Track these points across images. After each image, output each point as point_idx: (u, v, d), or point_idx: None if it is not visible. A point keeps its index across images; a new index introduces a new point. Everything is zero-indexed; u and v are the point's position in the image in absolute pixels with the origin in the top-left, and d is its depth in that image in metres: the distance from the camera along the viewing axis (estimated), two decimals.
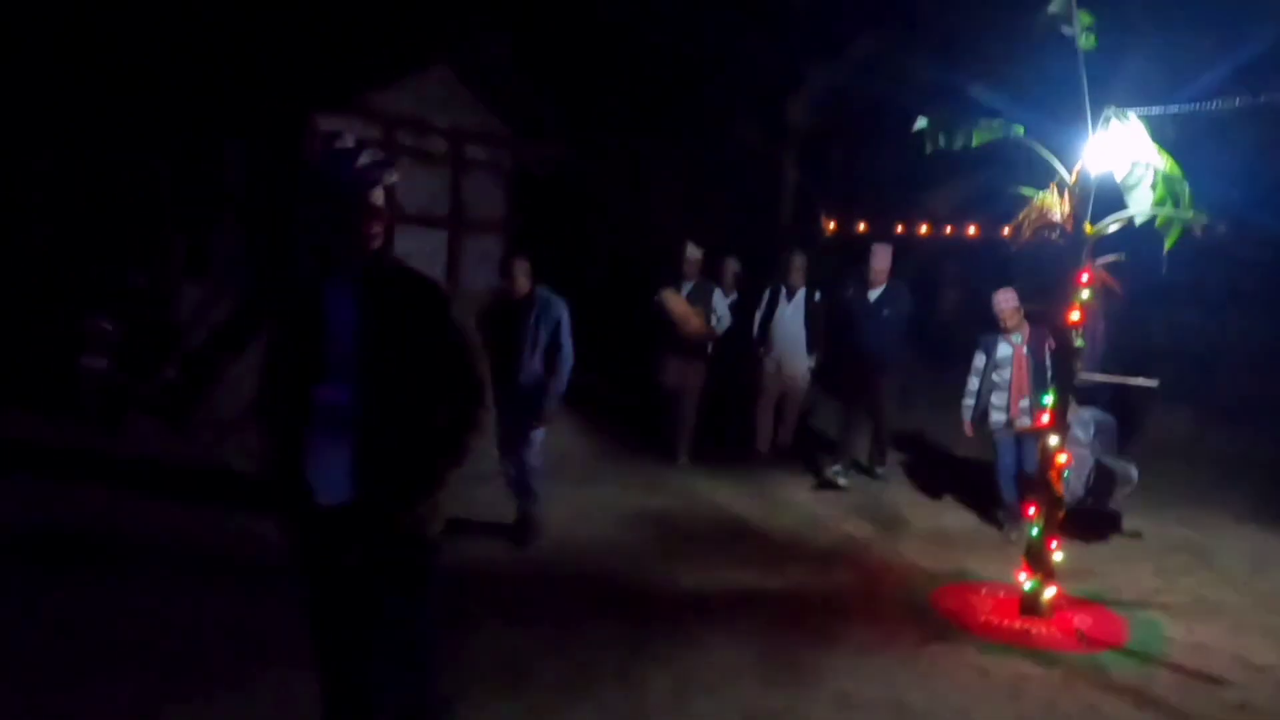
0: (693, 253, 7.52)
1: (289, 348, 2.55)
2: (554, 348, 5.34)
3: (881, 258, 7.19)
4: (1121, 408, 6.41)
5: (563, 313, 5.39)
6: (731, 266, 8.52)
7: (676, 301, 7.43)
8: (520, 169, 11.05)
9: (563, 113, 11.13)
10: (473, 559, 5.26)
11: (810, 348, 7.76)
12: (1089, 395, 6.08)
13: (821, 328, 7.73)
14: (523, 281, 5.39)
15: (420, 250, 9.45)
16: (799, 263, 7.83)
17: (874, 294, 7.23)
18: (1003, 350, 6.07)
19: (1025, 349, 5.99)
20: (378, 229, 2.47)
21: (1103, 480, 6.03)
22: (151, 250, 8.30)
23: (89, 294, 7.78)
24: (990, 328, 6.13)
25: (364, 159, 2.43)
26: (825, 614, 4.67)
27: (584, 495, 6.54)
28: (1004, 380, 6.03)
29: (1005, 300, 6.04)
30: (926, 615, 4.74)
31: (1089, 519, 5.97)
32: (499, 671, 3.87)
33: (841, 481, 7.10)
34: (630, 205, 11.74)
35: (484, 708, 3.55)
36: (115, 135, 8.21)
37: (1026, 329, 6.00)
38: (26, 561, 4.69)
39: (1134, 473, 6.09)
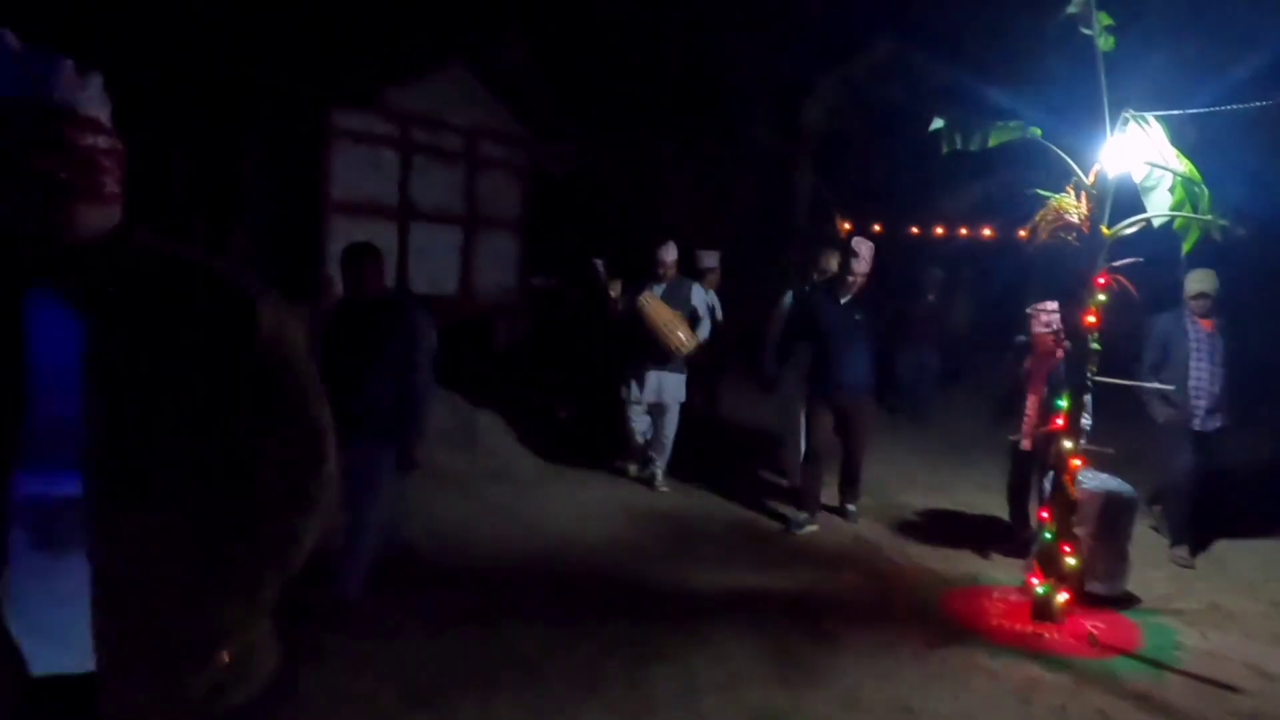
0: (667, 253, 6.57)
1: None
2: (408, 368, 4.19)
3: (863, 256, 5.99)
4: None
5: (420, 324, 4.25)
6: (707, 260, 7.67)
7: (659, 309, 6.45)
8: (536, 168, 11.10)
9: (579, 113, 11.16)
10: (478, 557, 5.28)
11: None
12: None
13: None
14: (371, 281, 4.31)
15: (434, 247, 9.53)
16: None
17: (845, 297, 6.02)
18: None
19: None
20: (98, 186, 1.46)
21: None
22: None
23: None
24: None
25: (37, 62, 1.42)
26: (835, 615, 4.66)
27: (588, 493, 6.58)
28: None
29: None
30: (937, 618, 4.72)
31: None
32: (505, 670, 3.87)
33: (809, 529, 6.04)
34: (645, 206, 11.75)
35: (489, 707, 3.56)
36: (132, 130, 8.28)
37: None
38: None
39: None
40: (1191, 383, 5.67)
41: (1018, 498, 5.84)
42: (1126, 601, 4.99)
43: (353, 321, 4.28)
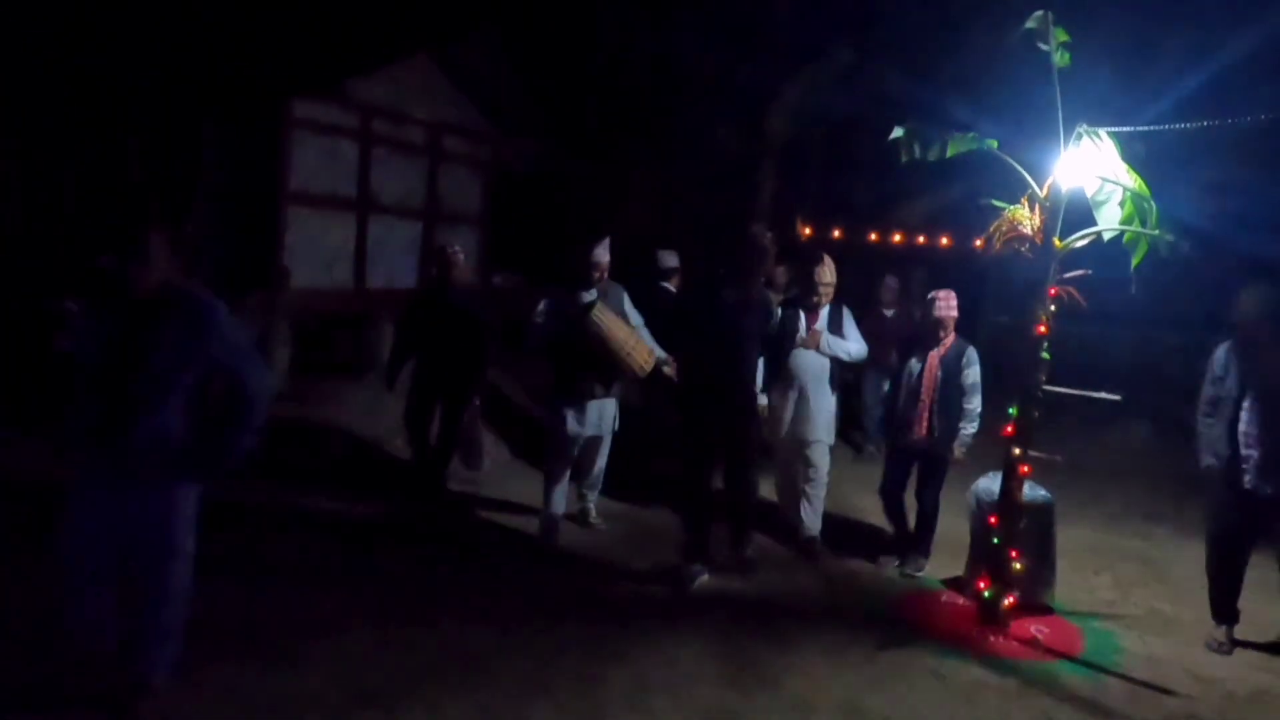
0: (602, 253, 5.55)
1: None
2: (233, 387, 3.19)
3: (756, 244, 5.14)
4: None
5: (213, 319, 3.12)
6: (669, 260, 7.05)
7: (614, 324, 5.43)
8: (499, 165, 11.04)
9: (544, 112, 11.12)
10: (430, 557, 5.25)
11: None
12: None
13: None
14: (157, 269, 3.09)
15: (393, 241, 9.44)
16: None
17: (731, 295, 5.12)
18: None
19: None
20: None
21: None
22: (123, 234, 8.18)
23: (57, 277, 7.64)
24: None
25: None
26: (788, 617, 4.70)
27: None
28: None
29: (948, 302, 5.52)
30: (887, 621, 4.78)
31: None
32: (456, 670, 3.86)
33: (701, 580, 5.13)
34: (608, 207, 11.74)
35: (439, 707, 3.54)
36: (88, 116, 8.08)
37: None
38: None
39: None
40: (1242, 428, 4.52)
41: (890, 495, 5.69)
42: (1049, 612, 5.03)
43: (126, 326, 3.09)
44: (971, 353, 5.40)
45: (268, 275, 8.19)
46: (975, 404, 5.38)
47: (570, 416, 5.56)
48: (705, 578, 5.12)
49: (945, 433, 5.37)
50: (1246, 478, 4.49)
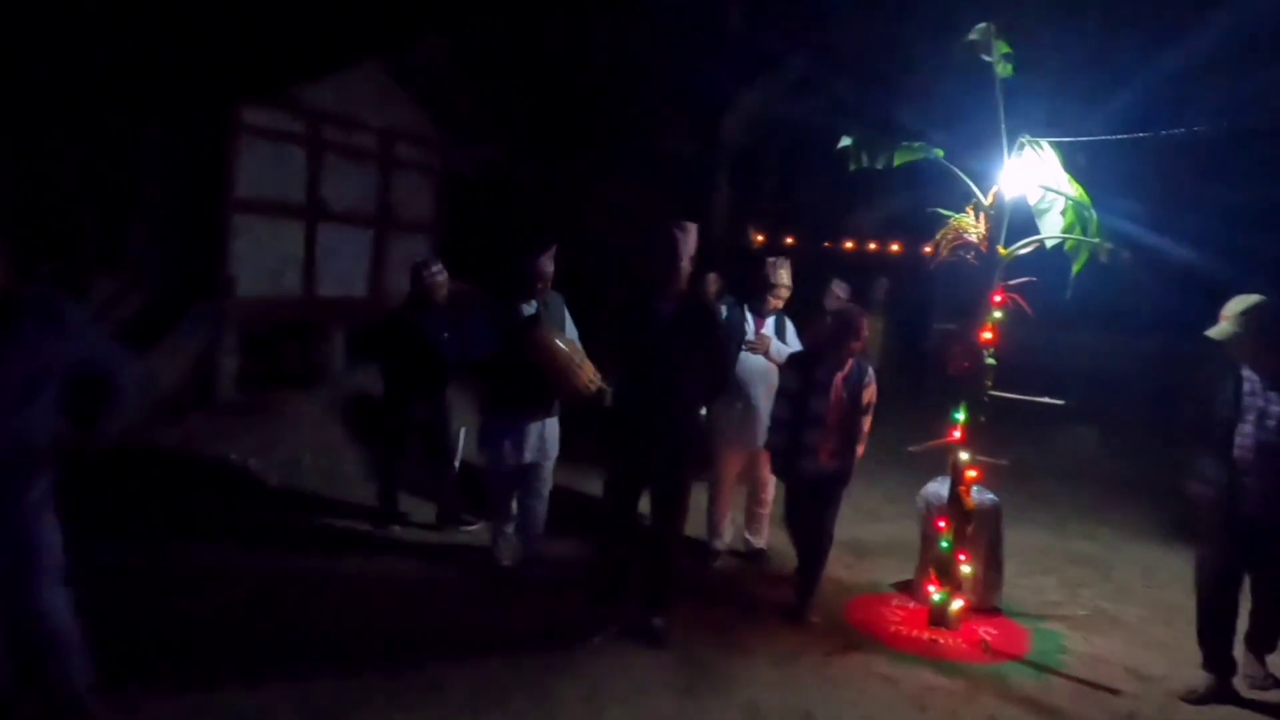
0: (547, 263, 5.08)
1: None
2: (101, 381, 3.15)
3: (666, 240, 4.31)
4: None
5: (68, 319, 3.06)
6: (715, 282, 6.87)
7: (561, 340, 4.97)
8: (452, 171, 10.96)
9: (498, 118, 11.07)
10: (380, 570, 5.18)
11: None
12: None
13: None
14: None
15: (344, 249, 9.31)
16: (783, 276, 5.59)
17: (667, 307, 4.32)
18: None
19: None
20: None
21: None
22: (61, 240, 7.97)
23: None
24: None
25: None
26: (741, 624, 4.71)
27: None
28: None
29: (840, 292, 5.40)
30: (839, 626, 4.81)
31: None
32: (408, 682, 3.81)
33: (601, 639, 4.38)
34: (563, 214, 11.73)
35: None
36: (25, 120, 7.86)
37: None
38: None
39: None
40: (1236, 451, 4.07)
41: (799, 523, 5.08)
42: (997, 613, 5.07)
43: None
44: (871, 372, 4.86)
45: (214, 284, 8.03)
46: (867, 425, 4.88)
47: (505, 444, 5.03)
48: (600, 638, 4.34)
49: (847, 458, 4.84)
50: (1241, 505, 4.04)
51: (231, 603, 4.50)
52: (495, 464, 5.11)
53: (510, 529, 5.28)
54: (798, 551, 5.06)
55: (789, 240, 12.72)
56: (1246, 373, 4.04)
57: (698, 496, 4.97)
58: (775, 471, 5.14)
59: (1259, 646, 4.37)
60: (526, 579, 5.11)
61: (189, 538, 5.38)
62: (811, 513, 4.90)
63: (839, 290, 8.43)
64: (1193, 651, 4.72)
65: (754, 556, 5.78)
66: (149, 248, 8.22)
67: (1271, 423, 3.95)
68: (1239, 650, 4.31)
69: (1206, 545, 4.27)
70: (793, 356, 5.05)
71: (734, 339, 5.33)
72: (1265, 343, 3.98)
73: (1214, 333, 4.06)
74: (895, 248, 12.28)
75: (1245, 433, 4.02)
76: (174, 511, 5.78)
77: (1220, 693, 4.21)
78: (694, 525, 6.00)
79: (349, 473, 6.88)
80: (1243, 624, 4.33)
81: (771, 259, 5.65)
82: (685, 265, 4.29)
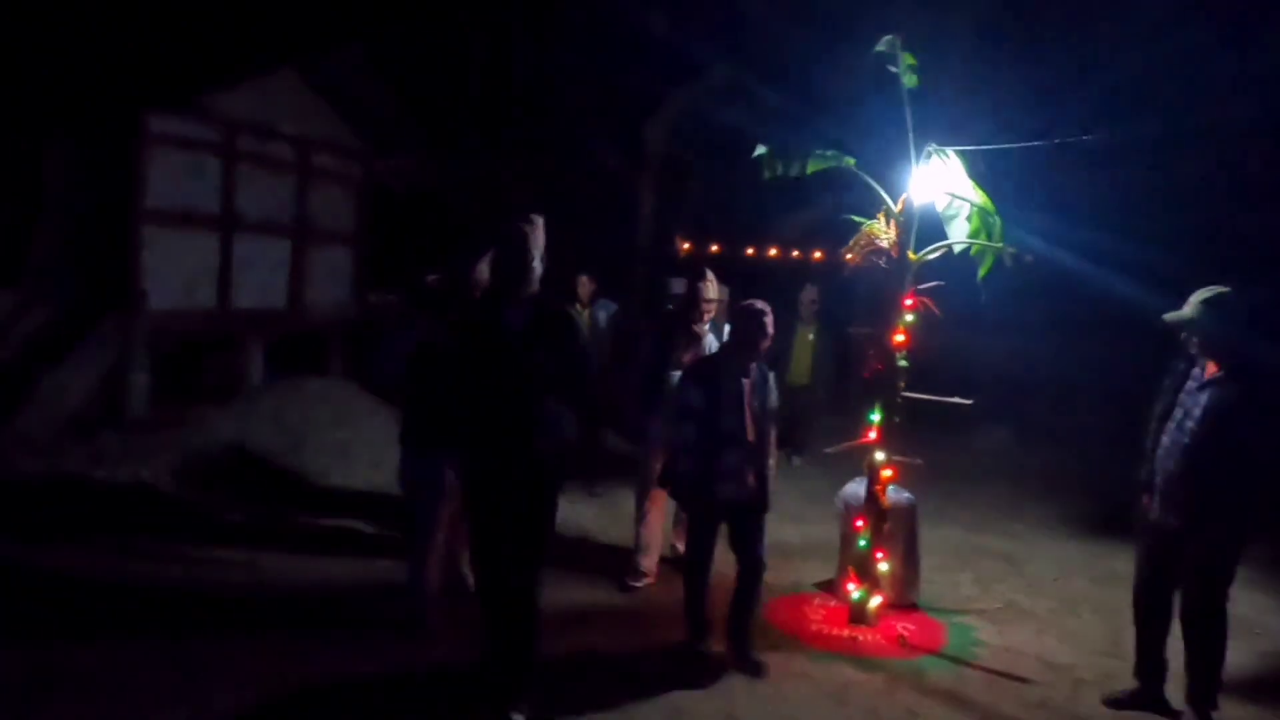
0: (484, 272, 4.36)
1: None
2: None
3: (512, 240, 3.68)
4: None
5: None
6: (675, 287, 6.57)
7: None
8: (374, 182, 10.82)
9: (420, 127, 10.97)
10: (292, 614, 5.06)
11: None
12: None
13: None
14: None
15: (261, 260, 9.11)
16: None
17: (518, 315, 3.66)
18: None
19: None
20: None
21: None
22: None
23: None
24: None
25: None
26: (664, 627, 4.71)
27: None
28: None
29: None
30: (761, 626, 4.86)
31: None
32: (330, 707, 3.73)
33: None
34: (488, 223, 11.65)
35: None
36: None
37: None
38: None
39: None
40: (1160, 451, 4.00)
41: (703, 571, 4.49)
42: (915, 609, 5.17)
43: None
44: (771, 375, 4.48)
45: (123, 297, 7.77)
46: (774, 433, 4.64)
47: (431, 468, 4.41)
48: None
49: (767, 478, 4.36)
50: (1153, 511, 4.01)
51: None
52: (422, 495, 4.44)
53: (430, 569, 4.51)
54: (696, 592, 4.35)
55: (715, 248, 12.85)
56: (1194, 370, 3.95)
57: (625, 503, 4.86)
58: (683, 502, 4.63)
59: (1196, 697, 3.95)
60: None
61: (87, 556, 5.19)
62: (738, 543, 4.36)
63: (810, 296, 8.41)
64: (1099, 640, 4.93)
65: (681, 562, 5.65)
66: (53, 260, 7.92)
67: (1190, 424, 3.85)
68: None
69: (1136, 548, 4.22)
70: (690, 369, 4.40)
71: (666, 354, 5.12)
72: (1220, 333, 3.86)
73: (1171, 317, 3.95)
74: (818, 255, 12.49)
75: (1169, 430, 3.96)
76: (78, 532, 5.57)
77: (1144, 699, 4.11)
78: (622, 532, 6.05)
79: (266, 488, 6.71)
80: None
81: (699, 278, 5.37)
82: (537, 266, 3.68)
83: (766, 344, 4.33)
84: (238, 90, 8.51)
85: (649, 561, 5.44)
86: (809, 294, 8.36)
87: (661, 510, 5.48)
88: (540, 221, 3.75)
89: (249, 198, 8.90)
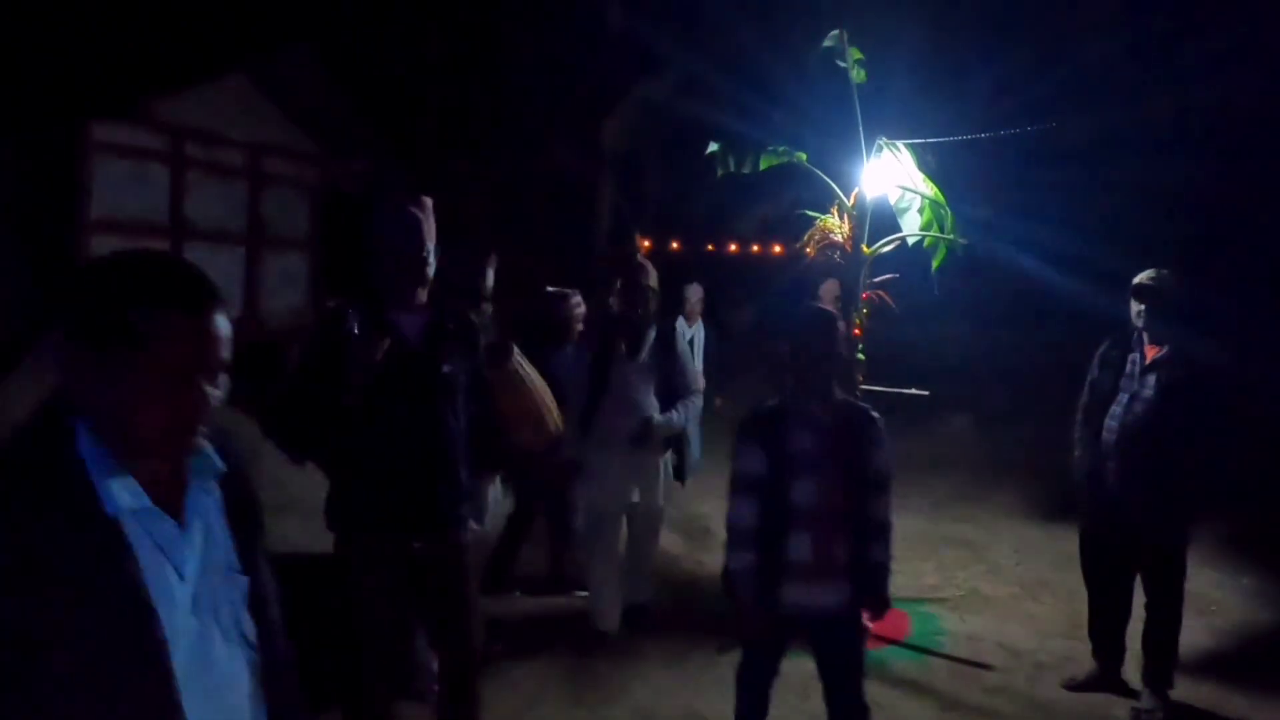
0: (489, 278, 4.53)
1: None
2: None
3: (425, 223, 2.96)
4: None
5: None
6: (692, 294, 6.75)
7: (533, 377, 4.08)
8: (329, 186, 10.67)
9: (374, 129, 10.85)
10: None
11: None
12: None
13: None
14: None
15: (213, 268, 8.90)
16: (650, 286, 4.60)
17: (413, 322, 2.91)
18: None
19: None
20: None
21: None
22: None
23: None
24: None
25: None
26: (632, 629, 4.72)
27: None
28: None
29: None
30: (729, 624, 4.86)
31: None
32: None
33: None
34: (446, 225, 11.56)
35: None
36: None
37: None
38: None
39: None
40: (1104, 434, 4.00)
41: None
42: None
43: None
44: (875, 415, 3.21)
45: None
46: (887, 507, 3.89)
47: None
48: None
49: (875, 574, 3.13)
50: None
51: None
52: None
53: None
54: None
55: (675, 245, 12.88)
56: (1131, 355, 3.97)
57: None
58: (741, 615, 3.13)
59: (1153, 677, 3.97)
60: None
61: None
62: (826, 680, 3.15)
63: (695, 294, 7.03)
64: (1059, 624, 5.00)
65: (636, 614, 4.80)
66: (1, 272, 7.73)
67: (1139, 407, 3.86)
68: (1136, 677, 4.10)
69: (1081, 531, 4.22)
70: (746, 421, 3.04)
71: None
72: (1172, 314, 3.90)
73: (1144, 278, 3.93)
74: (777, 249, 12.57)
75: (1114, 414, 3.95)
76: None
77: (1102, 681, 4.17)
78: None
79: None
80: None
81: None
82: (430, 260, 2.93)
83: (842, 367, 3.22)
84: (184, 97, 8.35)
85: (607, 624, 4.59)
86: (694, 292, 6.96)
87: (612, 567, 4.65)
88: (430, 205, 3.00)
89: (199, 205, 8.74)
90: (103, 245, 7.82)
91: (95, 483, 1.20)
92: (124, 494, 1.21)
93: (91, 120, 7.70)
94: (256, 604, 1.40)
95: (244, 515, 1.42)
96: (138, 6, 8.42)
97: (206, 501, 1.34)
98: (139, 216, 8.19)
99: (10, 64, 7.61)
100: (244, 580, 1.38)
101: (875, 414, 3.04)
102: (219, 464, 1.35)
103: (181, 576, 1.26)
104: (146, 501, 1.24)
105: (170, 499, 1.28)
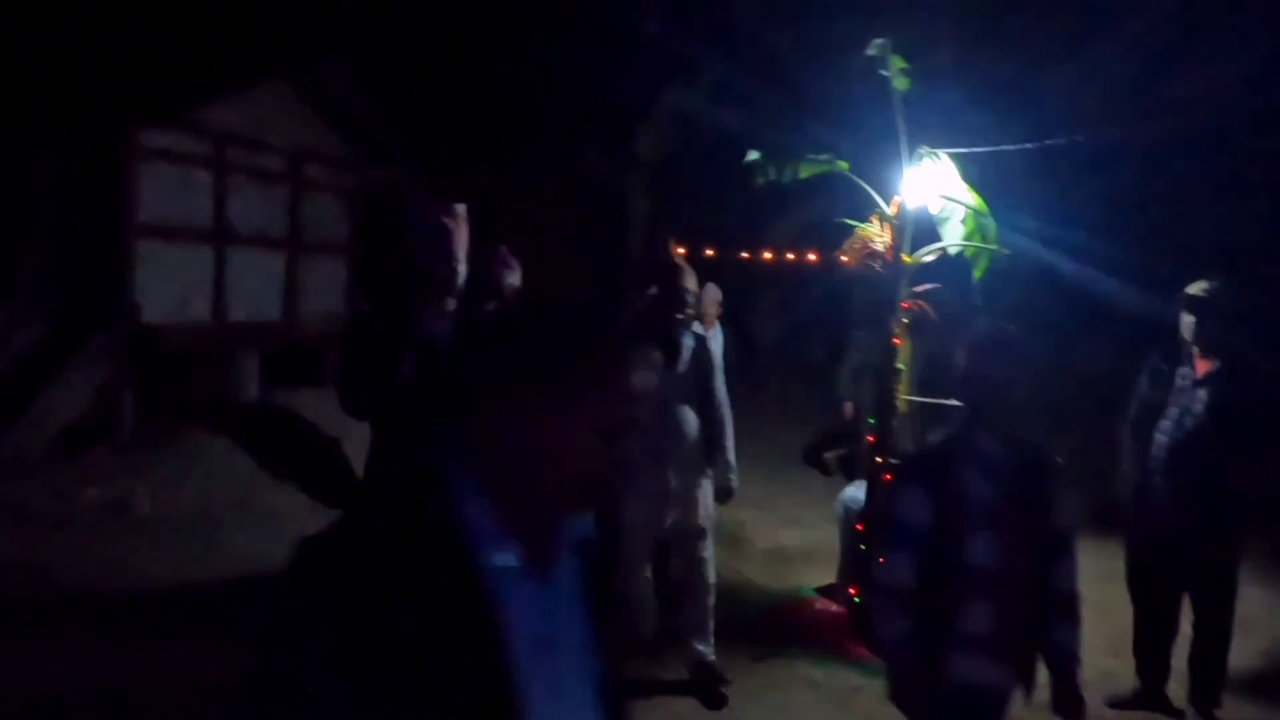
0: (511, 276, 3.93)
1: None
2: None
3: (455, 231, 3.11)
4: None
5: None
6: (710, 294, 6.19)
7: None
8: (365, 191, 10.80)
9: (410, 135, 10.96)
10: None
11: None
12: None
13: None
14: None
15: (254, 273, 9.09)
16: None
17: (441, 326, 3.03)
18: None
19: None
20: None
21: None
22: None
23: None
24: None
25: None
26: (665, 634, 4.71)
27: None
28: None
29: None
30: (764, 631, 4.86)
31: None
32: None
33: None
34: (480, 231, 11.63)
35: None
36: None
37: None
38: None
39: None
40: (1153, 450, 3.89)
41: None
42: None
43: None
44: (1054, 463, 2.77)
45: (115, 313, 7.75)
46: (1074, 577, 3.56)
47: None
48: None
49: (1059, 656, 2.65)
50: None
51: None
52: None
53: None
54: None
55: (709, 252, 12.87)
56: (1181, 369, 3.84)
57: None
58: (895, 688, 2.65)
59: (1199, 697, 3.90)
60: None
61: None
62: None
63: (714, 296, 6.35)
64: (1101, 640, 4.89)
65: (702, 674, 4.17)
66: (43, 277, 7.90)
67: (1189, 423, 3.73)
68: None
69: (1126, 548, 4.10)
70: (907, 463, 2.97)
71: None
72: (1223, 326, 3.78)
73: (1194, 289, 3.81)
74: (812, 257, 12.52)
75: (1164, 429, 3.82)
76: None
77: (1147, 699, 4.08)
78: None
79: (264, 504, 6.69)
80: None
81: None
82: (461, 268, 2.99)
83: (1019, 397, 2.45)
84: (227, 104, 8.50)
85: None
86: (712, 293, 6.36)
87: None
88: (463, 212, 3.01)
89: (241, 210, 8.88)
90: (148, 250, 7.98)
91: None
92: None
93: (139, 127, 7.85)
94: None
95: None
96: (183, 16, 8.58)
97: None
98: (183, 222, 8.34)
99: (59, 72, 7.78)
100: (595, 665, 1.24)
101: (1059, 458, 2.59)
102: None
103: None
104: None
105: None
